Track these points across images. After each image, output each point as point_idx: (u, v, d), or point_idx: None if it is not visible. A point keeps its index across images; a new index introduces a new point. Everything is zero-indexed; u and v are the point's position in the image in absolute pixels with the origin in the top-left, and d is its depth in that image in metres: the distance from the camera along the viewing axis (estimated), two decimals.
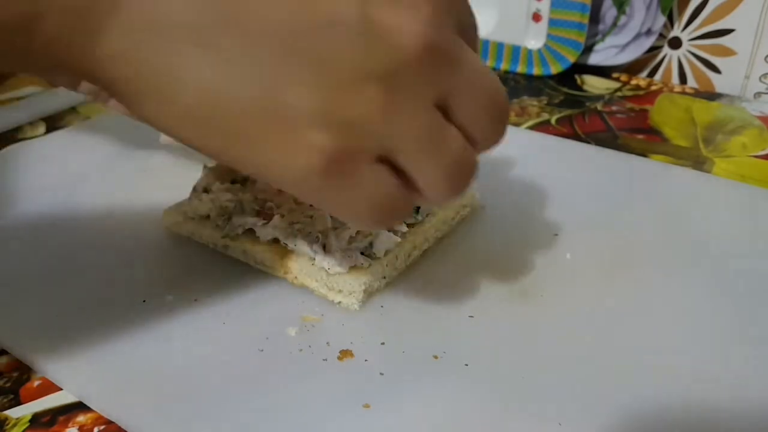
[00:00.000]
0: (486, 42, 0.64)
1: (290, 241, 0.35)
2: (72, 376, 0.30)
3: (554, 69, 0.62)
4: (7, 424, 0.29)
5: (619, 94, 0.60)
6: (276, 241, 0.35)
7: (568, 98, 0.59)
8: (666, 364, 0.31)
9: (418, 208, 0.37)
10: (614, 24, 0.62)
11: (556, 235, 0.39)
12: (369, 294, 0.34)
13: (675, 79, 0.63)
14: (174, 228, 0.39)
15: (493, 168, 0.44)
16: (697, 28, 0.61)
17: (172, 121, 0.25)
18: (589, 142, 0.51)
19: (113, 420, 0.28)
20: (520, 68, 0.63)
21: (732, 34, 0.59)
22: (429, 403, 0.29)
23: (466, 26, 0.27)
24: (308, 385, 0.29)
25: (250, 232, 0.36)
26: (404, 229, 0.36)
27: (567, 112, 0.56)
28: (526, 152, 0.49)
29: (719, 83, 0.61)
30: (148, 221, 0.40)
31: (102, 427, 0.28)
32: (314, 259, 0.34)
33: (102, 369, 0.30)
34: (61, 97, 0.56)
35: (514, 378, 0.30)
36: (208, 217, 0.38)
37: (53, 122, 0.54)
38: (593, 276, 0.36)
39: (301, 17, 0.23)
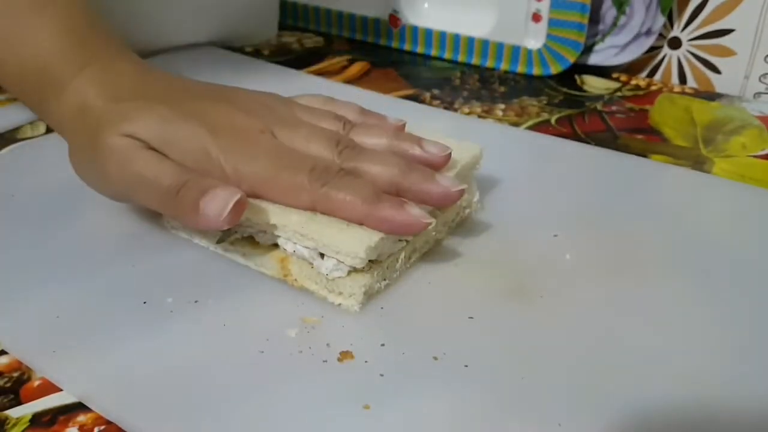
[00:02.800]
0: (486, 42, 0.64)
1: (289, 245, 0.35)
2: (72, 376, 0.30)
3: (554, 69, 0.62)
4: (7, 424, 0.29)
5: (618, 94, 0.60)
6: (276, 245, 0.35)
7: (567, 98, 0.59)
8: (666, 364, 0.31)
9: None
10: (614, 24, 0.62)
11: (556, 235, 0.39)
12: (369, 296, 0.34)
13: (675, 79, 0.63)
14: (174, 230, 0.39)
15: (493, 168, 0.44)
16: (697, 28, 0.61)
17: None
18: (589, 142, 0.51)
19: (113, 420, 0.29)
20: (520, 68, 0.63)
21: (732, 34, 0.59)
22: (429, 404, 0.29)
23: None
24: (308, 386, 0.29)
25: (250, 236, 0.36)
26: (408, 237, 0.36)
27: (567, 112, 0.56)
28: (526, 152, 0.49)
29: (719, 83, 0.61)
30: (148, 222, 0.40)
31: (102, 427, 0.28)
32: (312, 263, 0.34)
33: (102, 369, 0.30)
34: None
35: (514, 378, 0.30)
36: None
37: None
38: (593, 276, 0.36)
39: None
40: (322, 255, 0.33)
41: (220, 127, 0.36)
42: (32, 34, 0.40)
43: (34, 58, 0.40)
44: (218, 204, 0.32)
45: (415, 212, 0.33)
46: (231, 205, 0.32)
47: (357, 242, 0.32)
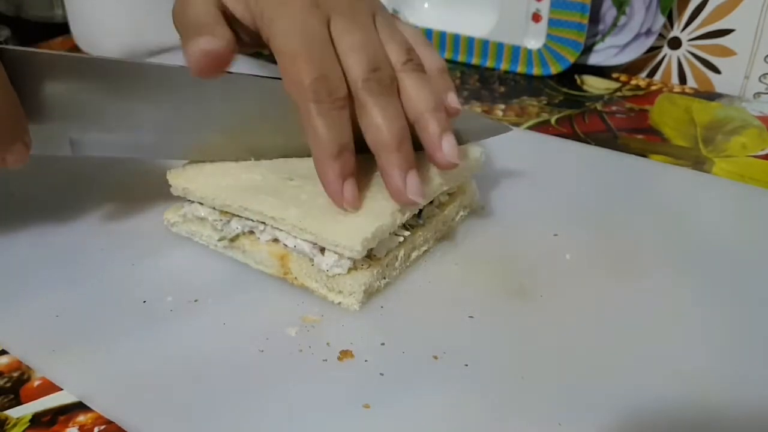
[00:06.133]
0: (486, 42, 0.64)
1: (290, 241, 0.35)
2: (72, 376, 0.30)
3: (554, 69, 0.62)
4: (8, 424, 0.29)
5: (618, 94, 0.60)
6: (276, 241, 0.35)
7: (567, 98, 0.59)
8: (665, 364, 0.31)
9: (420, 211, 0.37)
10: (614, 24, 0.62)
11: (556, 235, 0.39)
12: (369, 294, 0.34)
13: (675, 79, 0.63)
14: (174, 228, 0.39)
15: (493, 168, 0.44)
16: (697, 28, 0.61)
17: None
18: (589, 142, 0.51)
19: (113, 420, 0.29)
20: (520, 68, 0.63)
21: (732, 34, 0.59)
22: (429, 403, 0.29)
23: None
24: (308, 385, 0.29)
25: (250, 232, 0.36)
26: (405, 233, 0.36)
27: (567, 112, 0.56)
28: (526, 152, 0.49)
29: (719, 83, 0.61)
30: (148, 221, 0.40)
31: (102, 427, 0.28)
32: (313, 260, 0.34)
33: (102, 369, 0.30)
34: None
35: (514, 378, 0.30)
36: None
37: None
38: (593, 276, 0.36)
39: None
40: (322, 251, 0.33)
41: None
42: None
43: None
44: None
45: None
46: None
47: (354, 235, 0.32)
